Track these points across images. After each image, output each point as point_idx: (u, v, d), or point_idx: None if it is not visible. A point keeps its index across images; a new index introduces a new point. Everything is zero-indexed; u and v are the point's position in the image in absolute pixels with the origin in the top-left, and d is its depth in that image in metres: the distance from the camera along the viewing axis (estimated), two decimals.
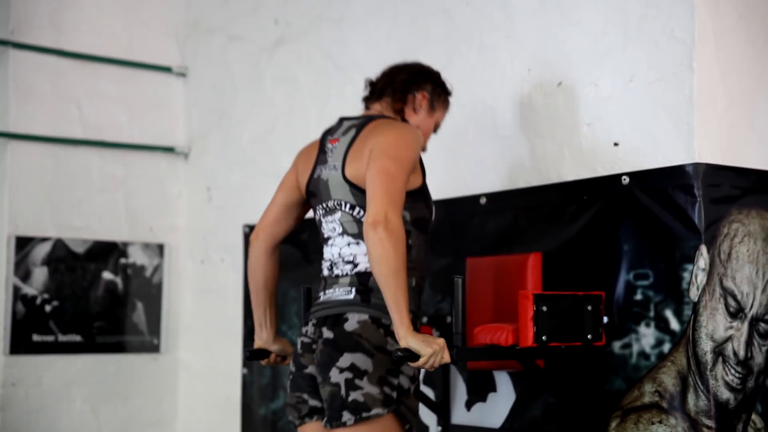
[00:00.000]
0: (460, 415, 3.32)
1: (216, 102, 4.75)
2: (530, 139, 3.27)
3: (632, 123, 2.98)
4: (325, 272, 2.76)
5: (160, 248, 4.78)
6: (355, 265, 2.69)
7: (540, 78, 3.25)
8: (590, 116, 3.09)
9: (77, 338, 4.54)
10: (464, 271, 3.17)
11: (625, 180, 2.93)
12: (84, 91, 4.65)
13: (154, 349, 4.75)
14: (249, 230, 4.39)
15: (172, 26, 4.89)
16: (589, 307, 2.79)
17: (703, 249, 2.73)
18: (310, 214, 2.96)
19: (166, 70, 4.87)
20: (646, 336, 2.84)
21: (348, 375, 2.58)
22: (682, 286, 2.76)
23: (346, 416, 2.56)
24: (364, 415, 2.56)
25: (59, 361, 4.50)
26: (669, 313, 2.79)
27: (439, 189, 3.53)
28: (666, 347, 2.79)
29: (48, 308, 4.47)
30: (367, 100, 2.91)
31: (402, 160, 2.63)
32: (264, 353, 3.00)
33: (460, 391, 3.34)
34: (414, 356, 2.48)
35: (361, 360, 2.59)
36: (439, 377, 3.35)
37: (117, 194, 4.70)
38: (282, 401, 4.13)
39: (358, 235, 2.68)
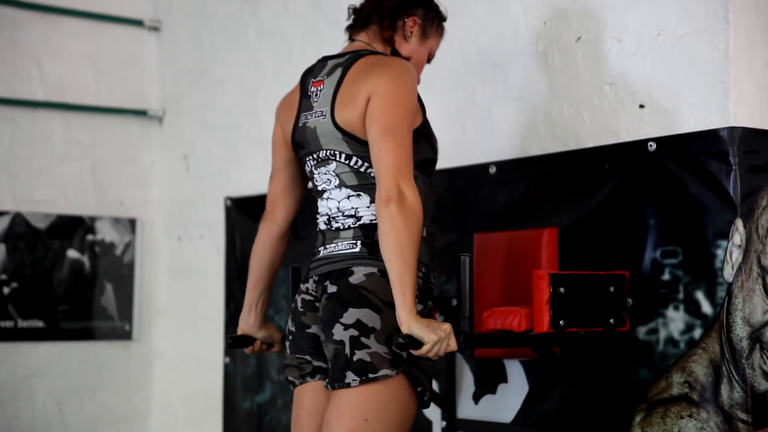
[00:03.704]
0: (467, 408, 3.34)
1: (193, 60, 4.73)
2: (545, 101, 3.27)
3: (660, 82, 2.97)
4: (323, 226, 2.76)
5: (132, 223, 4.78)
6: (358, 219, 2.69)
7: (557, 32, 3.24)
8: (613, 75, 3.09)
9: (39, 324, 4.55)
10: (472, 248, 3.18)
11: (652, 146, 2.92)
12: (44, 47, 4.63)
13: (126, 336, 4.76)
14: (231, 203, 4.39)
15: None
16: (612, 289, 2.80)
17: (739, 223, 2.73)
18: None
19: (137, 23, 4.85)
20: (675, 320, 2.84)
21: (353, 332, 2.57)
22: (715, 265, 2.77)
23: (351, 377, 2.56)
24: (371, 376, 2.55)
25: (19, 350, 4.51)
26: (700, 295, 2.80)
27: (444, 157, 3.52)
28: (697, 333, 2.80)
29: (6, 290, 4.48)
30: (351, 30, 2.90)
31: (405, 112, 2.63)
32: (248, 340, 3.01)
33: (467, 381, 3.35)
34: (417, 343, 2.49)
35: (368, 316, 2.58)
36: (444, 367, 3.36)
37: (83, 163, 4.70)
38: (269, 393, 4.15)
39: (359, 187, 2.69)
